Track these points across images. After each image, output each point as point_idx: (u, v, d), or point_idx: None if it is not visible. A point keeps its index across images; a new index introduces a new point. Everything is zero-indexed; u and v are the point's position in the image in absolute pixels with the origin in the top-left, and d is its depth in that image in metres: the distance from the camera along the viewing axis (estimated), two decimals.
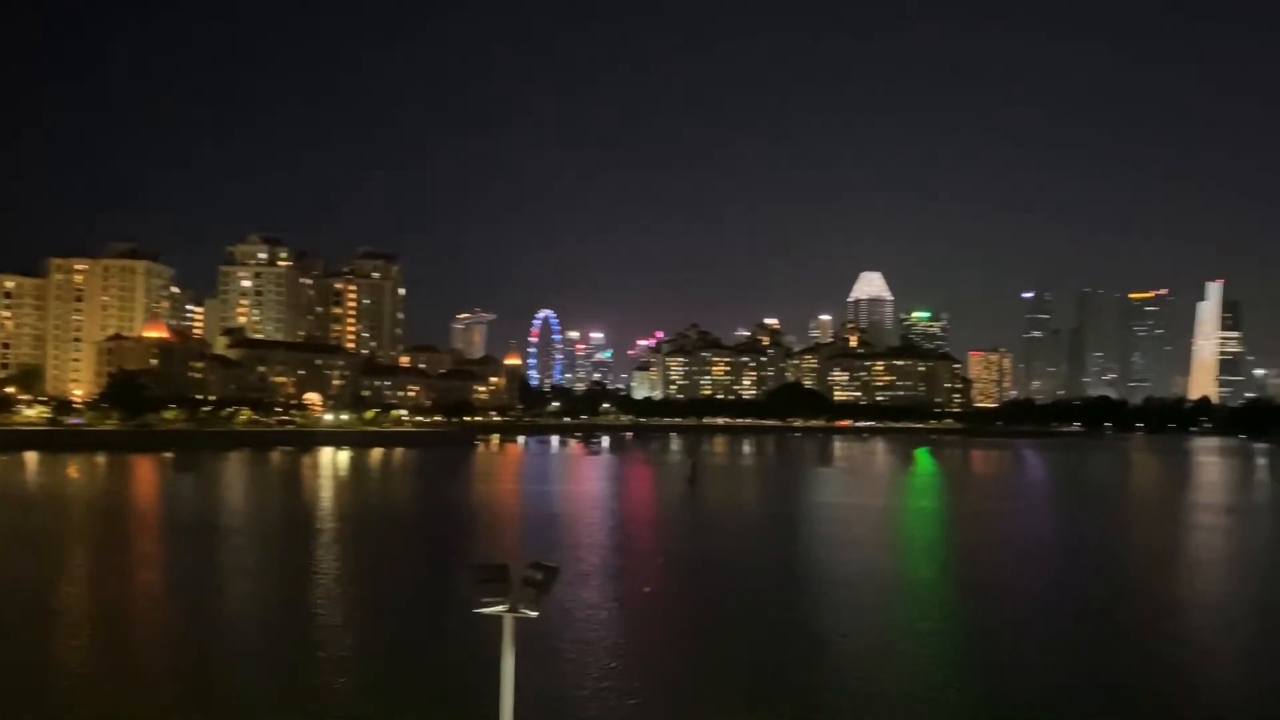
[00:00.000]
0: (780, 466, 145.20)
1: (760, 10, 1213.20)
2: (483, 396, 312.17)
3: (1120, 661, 29.40)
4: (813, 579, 43.93)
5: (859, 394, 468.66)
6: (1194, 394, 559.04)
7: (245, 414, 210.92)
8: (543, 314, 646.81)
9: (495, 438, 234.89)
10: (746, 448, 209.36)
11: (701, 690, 26.06)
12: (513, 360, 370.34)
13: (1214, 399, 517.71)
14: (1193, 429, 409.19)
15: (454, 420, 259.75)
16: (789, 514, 72.87)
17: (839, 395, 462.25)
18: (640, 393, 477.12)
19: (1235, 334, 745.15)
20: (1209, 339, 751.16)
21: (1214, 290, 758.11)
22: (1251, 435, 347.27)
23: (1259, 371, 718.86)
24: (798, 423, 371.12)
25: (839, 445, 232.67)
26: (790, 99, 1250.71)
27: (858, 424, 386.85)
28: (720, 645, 31.08)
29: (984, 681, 27.45)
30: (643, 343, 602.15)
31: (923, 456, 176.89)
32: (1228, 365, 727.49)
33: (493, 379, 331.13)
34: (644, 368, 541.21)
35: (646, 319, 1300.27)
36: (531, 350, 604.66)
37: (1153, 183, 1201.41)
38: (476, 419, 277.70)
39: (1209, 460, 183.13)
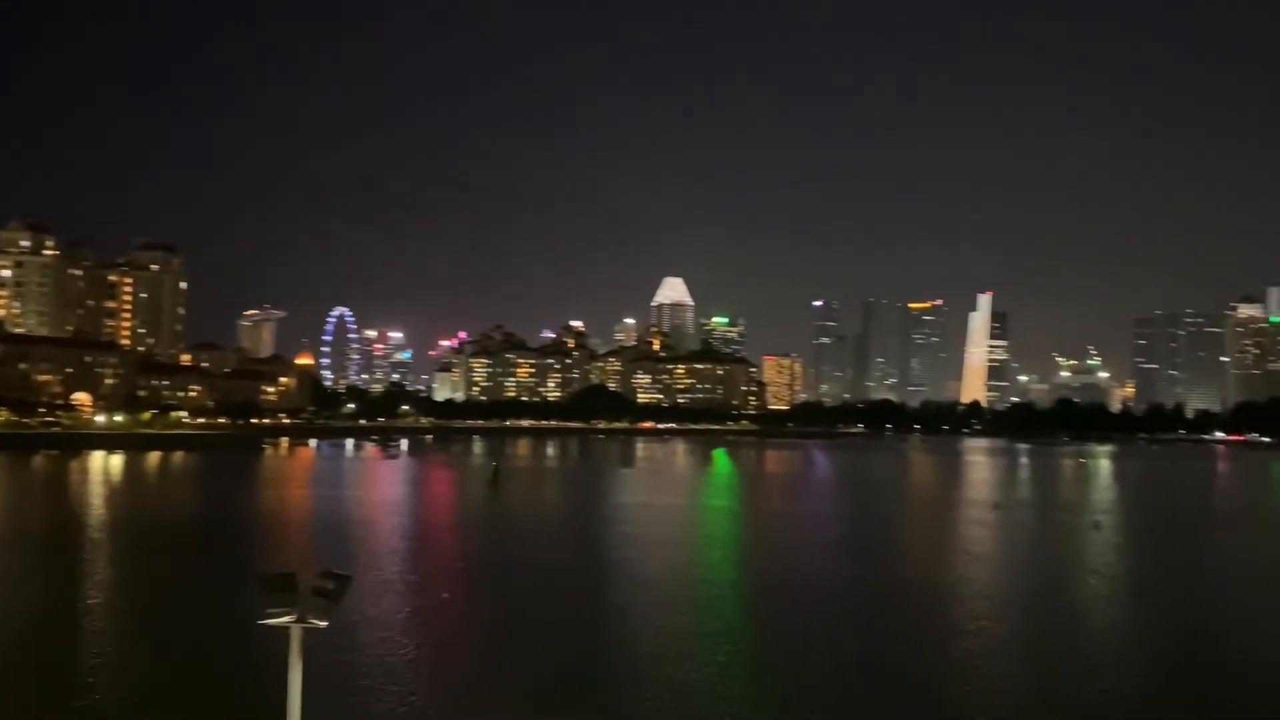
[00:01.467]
0: (584, 468, 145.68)
1: (548, 18, 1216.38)
2: (271, 398, 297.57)
3: (908, 646, 30.79)
4: (615, 580, 43.94)
5: (661, 396, 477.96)
6: (966, 398, 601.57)
7: (3, 414, 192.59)
8: (338, 312, 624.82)
9: (285, 441, 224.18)
10: (550, 450, 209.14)
11: (497, 697, 25.34)
12: (304, 360, 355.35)
13: (984, 403, 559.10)
14: (964, 430, 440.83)
15: (239, 422, 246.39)
16: (592, 515, 72.93)
17: (642, 397, 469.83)
18: (442, 394, 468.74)
19: (1002, 343, 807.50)
20: (979, 347, 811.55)
21: (984, 302, 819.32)
22: (1016, 437, 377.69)
23: (1023, 378, 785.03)
24: (601, 424, 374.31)
25: (641, 446, 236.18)
26: (590, 103, 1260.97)
27: (659, 426, 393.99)
28: (519, 651, 30.42)
29: (766, 677, 28.03)
30: (445, 343, 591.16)
31: (720, 457, 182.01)
32: (995, 371, 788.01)
33: (282, 379, 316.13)
34: (446, 369, 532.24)
35: (449, 319, 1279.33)
36: (325, 350, 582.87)
37: (932, 199, 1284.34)
38: (264, 421, 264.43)
39: (978, 460, 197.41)
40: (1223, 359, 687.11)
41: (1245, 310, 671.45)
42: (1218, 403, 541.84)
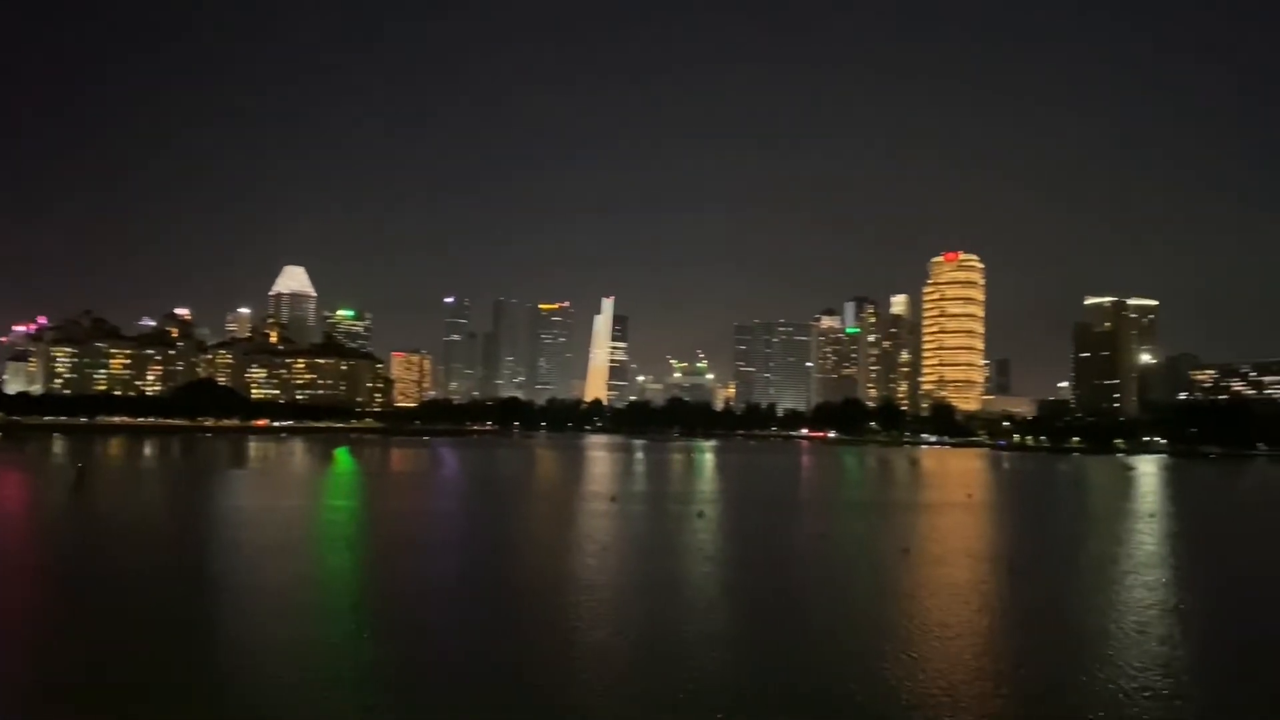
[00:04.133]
0: (188, 469, 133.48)
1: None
2: None
3: (526, 641, 30.74)
4: (223, 589, 40.13)
5: (278, 392, 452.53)
6: (589, 397, 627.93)
7: None
8: None
9: None
10: (149, 449, 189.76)
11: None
12: None
13: (605, 401, 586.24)
14: (587, 427, 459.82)
15: None
16: (196, 520, 66.62)
17: (257, 393, 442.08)
18: (14, 386, 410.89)
19: (623, 344, 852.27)
20: (602, 348, 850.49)
21: (607, 305, 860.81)
22: (633, 432, 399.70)
23: (641, 378, 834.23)
24: (209, 422, 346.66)
25: (255, 446, 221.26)
26: (225, 93, 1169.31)
27: (276, 424, 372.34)
28: (99, 669, 26.63)
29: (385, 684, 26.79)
30: (20, 329, 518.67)
31: (342, 456, 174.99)
32: (617, 371, 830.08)
33: None
34: (20, 358, 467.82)
35: (28, 303, 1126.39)
36: None
37: (560, 204, 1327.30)
38: None
39: (599, 455, 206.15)
40: (808, 364, 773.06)
41: (827, 321, 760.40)
42: (804, 403, 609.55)
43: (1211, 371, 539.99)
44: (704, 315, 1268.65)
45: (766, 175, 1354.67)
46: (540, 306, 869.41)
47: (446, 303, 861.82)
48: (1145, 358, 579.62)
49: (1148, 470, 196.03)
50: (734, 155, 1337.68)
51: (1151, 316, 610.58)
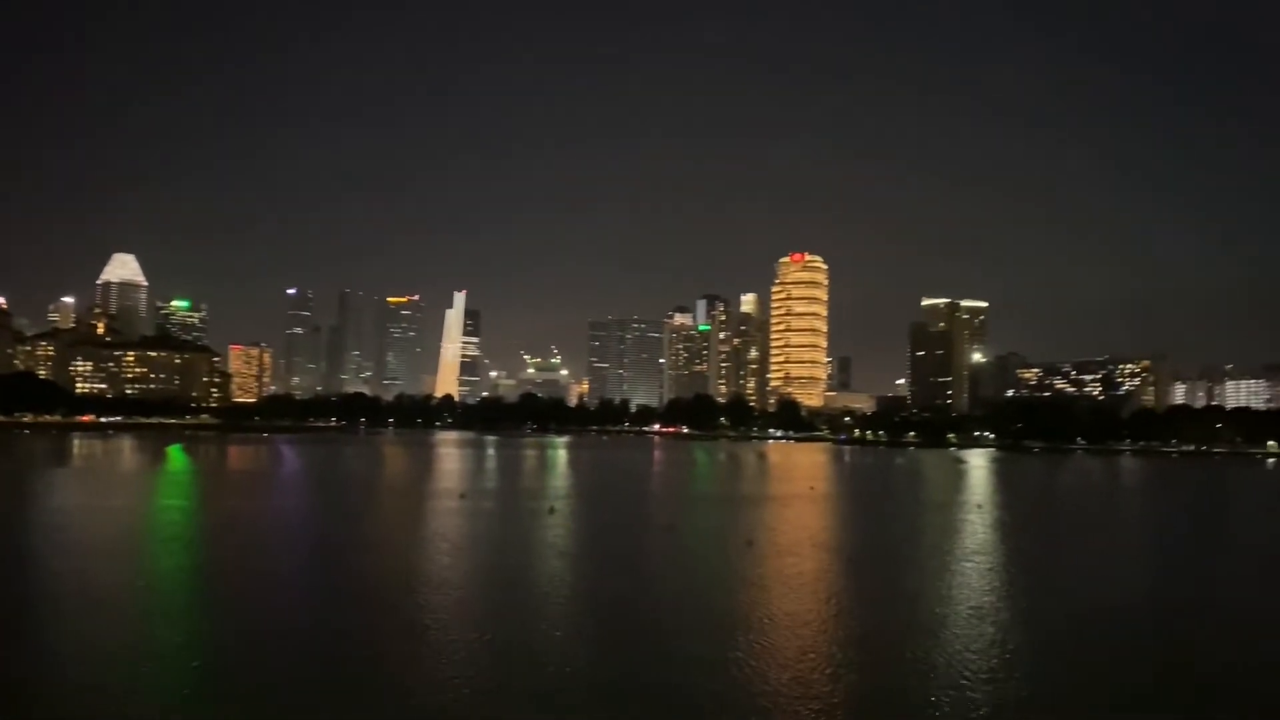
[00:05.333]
0: (2, 468, 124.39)
1: None
2: None
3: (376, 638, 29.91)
4: (53, 596, 37.45)
5: (106, 386, 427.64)
6: (440, 392, 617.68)
7: None
8: None
9: None
10: None
11: None
12: None
13: (456, 397, 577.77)
14: (438, 424, 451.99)
15: None
16: (8, 523, 62.14)
17: (82, 387, 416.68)
18: None
19: (475, 339, 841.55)
20: (454, 343, 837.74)
21: (459, 299, 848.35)
22: (485, 429, 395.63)
23: (493, 373, 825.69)
24: (28, 418, 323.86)
25: (79, 443, 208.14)
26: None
27: (103, 419, 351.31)
28: None
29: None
30: None
31: (175, 454, 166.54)
32: (468, 367, 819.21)
33: None
34: None
35: None
36: None
37: (414, 194, 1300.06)
38: None
39: (449, 451, 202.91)
40: (661, 361, 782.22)
41: (679, 319, 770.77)
42: (657, 399, 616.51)
43: (1036, 370, 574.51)
44: (558, 311, 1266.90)
45: (621, 173, 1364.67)
46: (388, 299, 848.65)
47: (289, 294, 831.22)
48: (976, 357, 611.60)
49: (977, 463, 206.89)
50: (589, 153, 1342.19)
51: (982, 318, 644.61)
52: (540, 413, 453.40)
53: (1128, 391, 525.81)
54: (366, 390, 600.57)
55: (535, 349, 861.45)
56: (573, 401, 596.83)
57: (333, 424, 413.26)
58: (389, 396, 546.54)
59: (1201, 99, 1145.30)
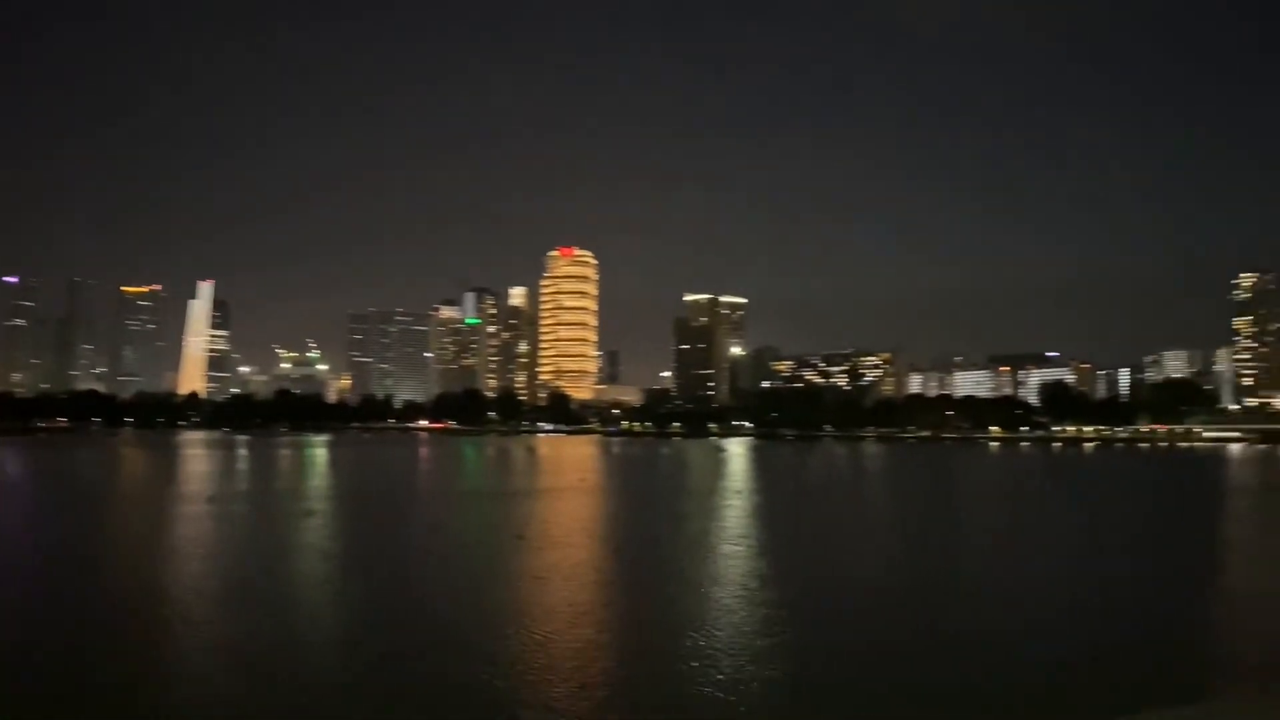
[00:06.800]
0: None
1: None
2: None
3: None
4: None
5: None
6: (184, 389, 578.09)
7: None
8: None
9: None
10: None
11: None
12: None
13: (203, 394, 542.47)
14: (182, 423, 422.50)
15: None
16: None
17: None
18: None
19: (224, 333, 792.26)
20: (199, 336, 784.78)
21: (205, 290, 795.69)
22: (235, 428, 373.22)
23: (244, 369, 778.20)
24: None
25: None
26: None
27: None
28: None
29: None
30: None
31: None
32: (216, 362, 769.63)
33: None
34: None
35: None
36: None
37: (140, 175, 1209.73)
38: None
39: (196, 453, 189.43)
40: (427, 355, 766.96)
41: (446, 311, 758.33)
42: (423, 394, 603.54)
43: (789, 363, 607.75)
44: (316, 303, 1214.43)
45: (385, 162, 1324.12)
46: (124, 289, 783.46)
47: (8, 282, 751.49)
48: (735, 350, 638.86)
49: (736, 451, 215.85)
50: (350, 140, 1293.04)
51: (741, 312, 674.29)
52: (297, 410, 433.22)
53: (870, 382, 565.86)
54: (100, 387, 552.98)
55: (291, 343, 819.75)
56: (332, 398, 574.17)
57: (60, 424, 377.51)
58: (127, 394, 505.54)
59: (927, 114, 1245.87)
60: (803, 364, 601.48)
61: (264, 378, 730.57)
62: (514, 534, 57.26)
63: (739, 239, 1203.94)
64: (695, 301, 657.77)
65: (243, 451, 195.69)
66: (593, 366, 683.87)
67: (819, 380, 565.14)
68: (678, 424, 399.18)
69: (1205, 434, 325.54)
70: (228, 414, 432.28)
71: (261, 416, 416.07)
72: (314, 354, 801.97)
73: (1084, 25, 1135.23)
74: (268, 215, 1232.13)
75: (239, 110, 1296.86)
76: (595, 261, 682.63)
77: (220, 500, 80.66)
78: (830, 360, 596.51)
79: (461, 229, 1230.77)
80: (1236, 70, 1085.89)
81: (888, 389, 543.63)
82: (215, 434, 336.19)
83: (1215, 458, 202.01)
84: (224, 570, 45.44)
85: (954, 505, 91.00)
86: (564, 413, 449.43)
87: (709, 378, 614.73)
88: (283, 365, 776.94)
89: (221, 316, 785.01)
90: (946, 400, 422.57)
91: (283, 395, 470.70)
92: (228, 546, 53.87)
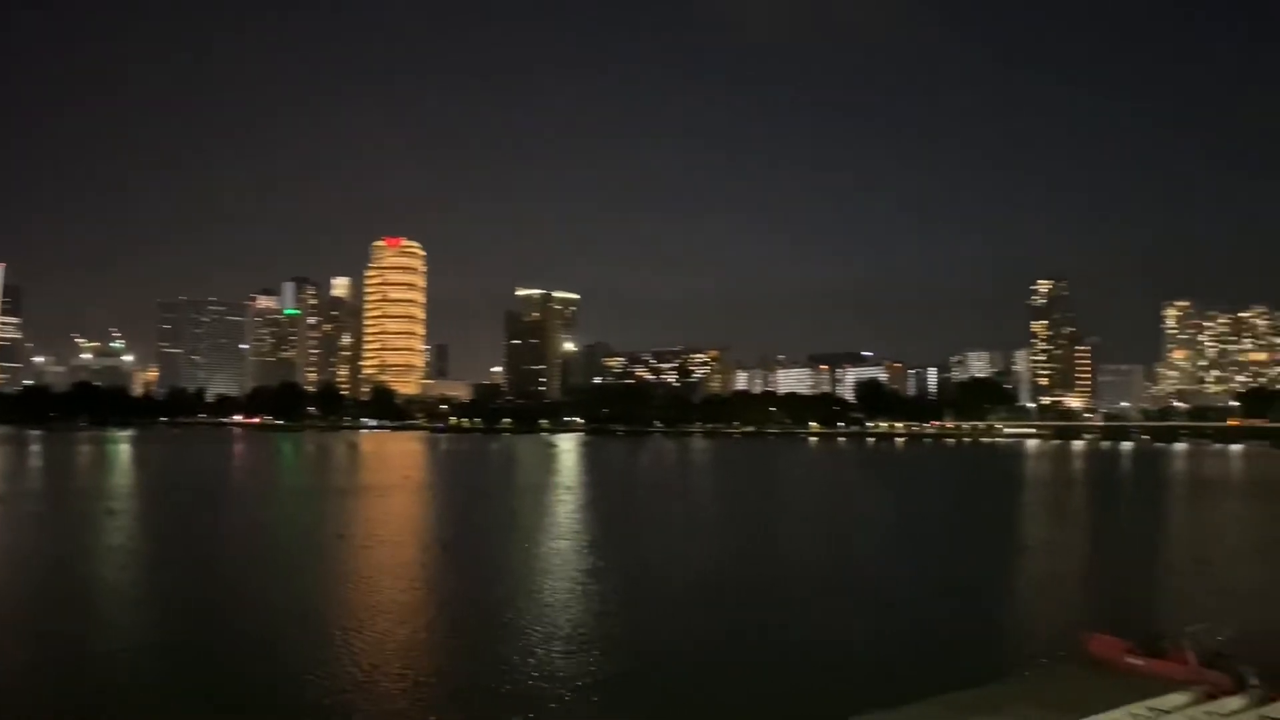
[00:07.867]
0: None
1: None
2: None
3: None
4: None
5: None
6: None
7: None
8: None
9: None
10: None
11: None
12: None
13: None
14: None
15: None
16: None
17: None
18: None
19: (15, 319, 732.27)
20: None
21: None
22: (26, 423, 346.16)
23: (39, 359, 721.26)
24: None
25: None
26: None
27: None
28: None
29: None
30: None
31: None
32: (7, 352, 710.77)
33: None
34: None
35: None
36: None
37: None
38: None
39: None
40: (242, 346, 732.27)
41: (263, 301, 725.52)
42: (238, 387, 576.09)
43: (621, 359, 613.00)
44: (121, 289, 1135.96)
45: (200, 143, 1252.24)
46: None
47: None
48: (567, 345, 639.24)
49: (567, 447, 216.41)
50: (168, 125, 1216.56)
51: (574, 308, 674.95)
52: (98, 403, 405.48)
53: (699, 379, 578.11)
54: None
55: (92, 331, 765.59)
56: (138, 390, 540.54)
57: None
58: None
59: (760, 121, 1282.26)
60: (634, 360, 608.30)
61: (61, 368, 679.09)
62: (335, 533, 55.57)
63: (571, 234, 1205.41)
64: (527, 296, 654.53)
65: (36, 448, 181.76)
66: (420, 361, 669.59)
67: (650, 377, 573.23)
68: (508, 420, 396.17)
69: (1005, 430, 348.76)
70: (20, 407, 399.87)
71: (59, 409, 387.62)
72: (118, 344, 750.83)
73: (899, 26, 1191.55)
74: (71, 197, 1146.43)
75: (55, 94, 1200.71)
76: (424, 253, 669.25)
77: (11, 499, 74.85)
78: (660, 357, 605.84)
79: (283, 216, 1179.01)
80: (1048, 80, 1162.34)
81: (715, 386, 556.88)
82: (5, 429, 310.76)
83: (1013, 453, 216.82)
84: (10, 574, 42.17)
85: (776, 495, 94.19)
86: (389, 408, 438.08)
87: (541, 373, 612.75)
88: (83, 355, 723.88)
89: (13, 302, 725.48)
90: (770, 397, 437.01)
91: (82, 387, 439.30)
92: (17, 549, 49.99)
